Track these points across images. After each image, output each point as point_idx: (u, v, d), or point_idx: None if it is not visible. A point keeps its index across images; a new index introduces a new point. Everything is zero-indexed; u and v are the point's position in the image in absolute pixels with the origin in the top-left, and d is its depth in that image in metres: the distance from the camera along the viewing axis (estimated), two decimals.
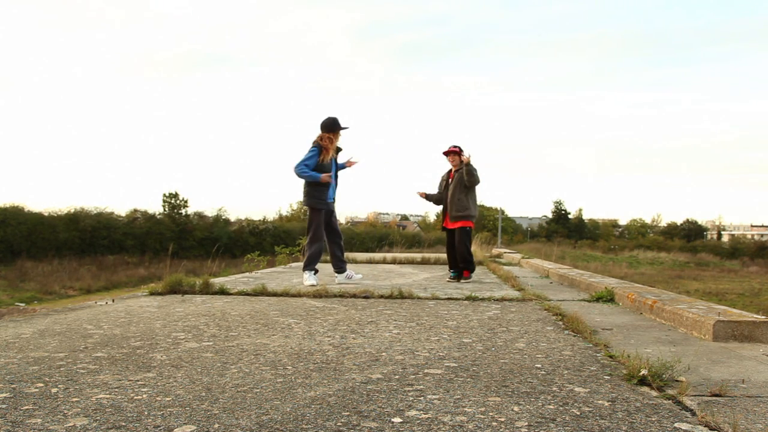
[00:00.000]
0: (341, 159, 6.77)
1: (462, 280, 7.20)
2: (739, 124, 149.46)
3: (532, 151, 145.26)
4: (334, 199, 6.67)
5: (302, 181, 6.46)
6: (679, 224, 78.58)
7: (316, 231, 6.47)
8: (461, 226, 7.14)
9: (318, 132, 6.50)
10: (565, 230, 71.15)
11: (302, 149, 6.59)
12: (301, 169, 6.29)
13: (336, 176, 6.62)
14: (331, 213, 6.67)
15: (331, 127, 6.47)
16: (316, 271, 6.44)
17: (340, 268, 6.82)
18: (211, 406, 2.17)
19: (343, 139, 6.61)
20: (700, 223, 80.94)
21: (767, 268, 40.54)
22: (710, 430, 2.01)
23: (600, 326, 4.09)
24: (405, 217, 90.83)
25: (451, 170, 7.27)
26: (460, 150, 7.16)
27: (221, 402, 2.23)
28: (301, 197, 6.66)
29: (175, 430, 1.94)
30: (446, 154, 7.24)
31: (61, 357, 2.92)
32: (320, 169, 6.33)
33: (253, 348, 3.17)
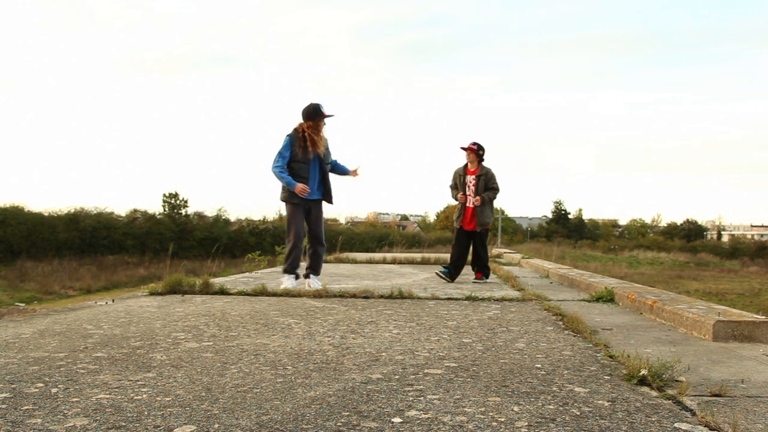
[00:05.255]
0: (339, 159, 6.21)
1: (474, 281, 7.26)
2: (739, 124, 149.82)
3: (532, 151, 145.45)
4: (320, 196, 5.99)
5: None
6: (679, 224, 78.61)
7: (291, 229, 5.90)
8: (482, 229, 7.22)
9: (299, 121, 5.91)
10: (565, 230, 71.15)
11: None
12: (277, 169, 5.73)
13: (322, 172, 5.93)
14: (310, 210, 5.96)
15: (312, 114, 5.78)
16: (298, 276, 5.98)
17: (306, 272, 6.10)
18: (211, 406, 2.17)
19: (328, 129, 5.99)
20: (700, 223, 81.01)
21: (767, 268, 40.50)
22: (710, 430, 2.01)
23: (600, 326, 4.09)
24: (405, 217, 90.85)
25: (467, 166, 7.22)
26: (478, 149, 7.11)
27: (221, 402, 2.23)
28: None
29: (175, 430, 1.93)
30: (464, 149, 7.17)
31: (61, 357, 2.92)
32: (297, 162, 5.76)
33: (253, 348, 3.17)
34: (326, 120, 5.91)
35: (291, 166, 5.80)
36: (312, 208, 5.99)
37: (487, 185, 7.08)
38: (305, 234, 6.11)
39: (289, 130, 5.89)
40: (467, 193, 7.15)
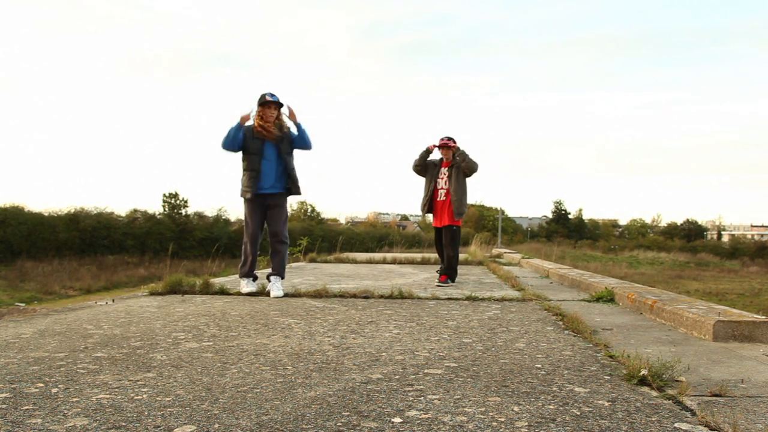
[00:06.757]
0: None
1: (437, 284, 6.62)
2: (739, 124, 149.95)
3: (532, 151, 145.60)
4: (281, 189, 5.58)
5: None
6: (679, 224, 78.61)
7: (247, 230, 5.60)
8: (452, 224, 6.78)
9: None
10: (565, 230, 71.19)
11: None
12: (221, 141, 5.45)
13: (282, 164, 5.55)
14: (267, 206, 5.57)
15: (257, 102, 5.53)
16: (256, 278, 5.70)
17: (267, 275, 5.69)
18: (211, 406, 2.17)
19: (283, 116, 5.61)
20: (700, 223, 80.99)
21: (767, 268, 40.49)
22: (710, 430, 2.01)
23: (600, 326, 4.09)
24: (405, 217, 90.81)
25: (442, 160, 6.97)
26: (454, 142, 6.86)
27: (221, 402, 2.23)
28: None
29: (175, 430, 1.93)
30: (439, 147, 6.92)
31: (61, 357, 2.92)
32: (249, 153, 5.47)
33: (253, 348, 3.17)
34: (276, 105, 5.52)
35: (244, 158, 5.52)
36: (271, 203, 5.57)
37: (465, 160, 6.72)
38: (262, 233, 5.73)
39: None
40: (440, 186, 6.84)
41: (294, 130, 5.62)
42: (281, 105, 5.58)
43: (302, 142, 5.64)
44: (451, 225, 6.81)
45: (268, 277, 5.65)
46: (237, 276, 6.38)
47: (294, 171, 5.64)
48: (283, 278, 5.65)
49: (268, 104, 5.51)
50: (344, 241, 25.73)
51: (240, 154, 5.57)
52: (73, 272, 26.90)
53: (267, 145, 5.50)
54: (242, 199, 5.62)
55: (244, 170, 5.55)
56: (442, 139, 6.92)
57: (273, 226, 5.63)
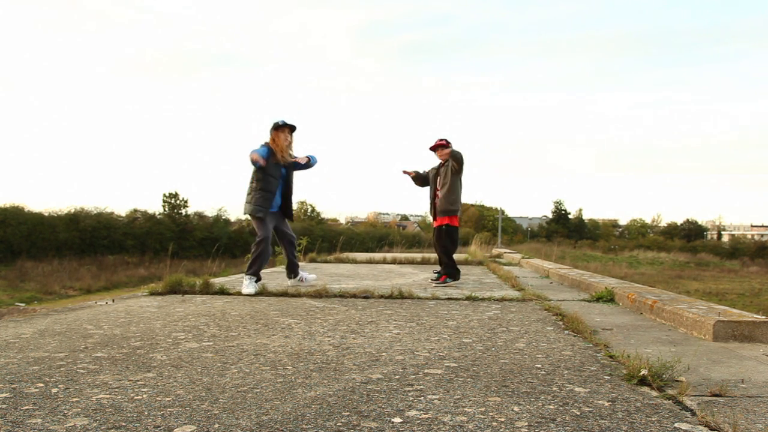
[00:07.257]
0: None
1: (435, 284, 6.66)
2: (739, 124, 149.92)
3: (532, 151, 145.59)
4: (285, 206, 6.05)
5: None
6: (679, 224, 78.65)
7: (262, 233, 5.80)
8: (442, 223, 6.75)
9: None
10: (565, 230, 71.23)
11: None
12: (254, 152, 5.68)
13: (285, 183, 5.97)
14: (278, 218, 6.03)
15: (271, 128, 5.92)
16: (258, 279, 5.86)
17: (292, 272, 6.31)
18: (211, 406, 2.17)
19: (295, 142, 6.06)
20: (700, 223, 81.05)
21: (767, 268, 40.49)
22: (710, 430, 2.01)
23: (600, 326, 4.09)
24: (405, 217, 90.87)
25: (440, 164, 6.87)
26: (448, 143, 6.76)
27: (221, 402, 2.23)
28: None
29: (175, 430, 1.93)
30: (433, 149, 6.84)
31: (61, 357, 2.92)
32: (268, 174, 5.79)
33: (253, 348, 3.17)
34: (289, 129, 5.92)
35: (260, 177, 5.77)
36: (278, 219, 6.02)
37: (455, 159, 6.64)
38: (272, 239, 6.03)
39: (262, 143, 5.93)
40: (437, 187, 6.79)
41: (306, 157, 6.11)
42: (294, 128, 5.97)
43: (314, 163, 6.19)
44: (441, 225, 6.78)
45: (294, 275, 6.30)
46: (237, 276, 6.42)
47: (291, 197, 6.09)
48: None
49: (282, 128, 5.87)
50: (344, 241, 25.73)
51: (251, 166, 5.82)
52: (73, 272, 26.89)
53: (282, 169, 5.92)
54: (251, 217, 5.88)
55: (258, 189, 5.76)
56: (436, 141, 6.87)
57: (291, 235, 6.17)
